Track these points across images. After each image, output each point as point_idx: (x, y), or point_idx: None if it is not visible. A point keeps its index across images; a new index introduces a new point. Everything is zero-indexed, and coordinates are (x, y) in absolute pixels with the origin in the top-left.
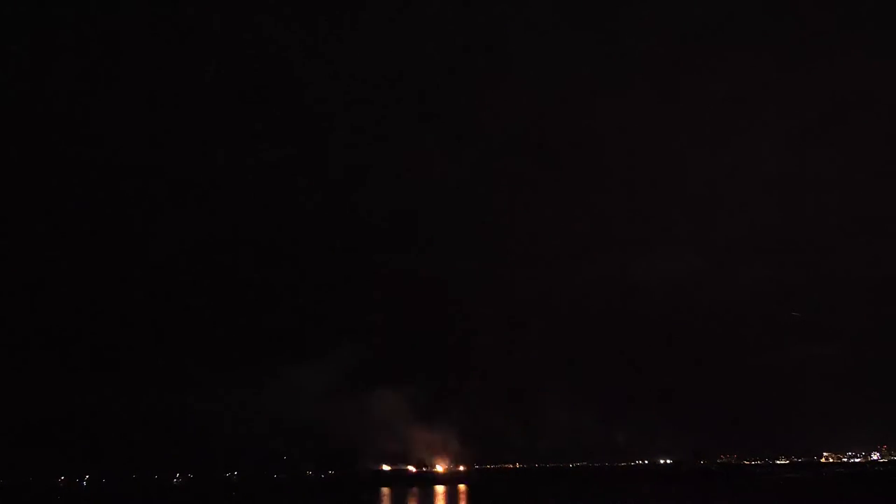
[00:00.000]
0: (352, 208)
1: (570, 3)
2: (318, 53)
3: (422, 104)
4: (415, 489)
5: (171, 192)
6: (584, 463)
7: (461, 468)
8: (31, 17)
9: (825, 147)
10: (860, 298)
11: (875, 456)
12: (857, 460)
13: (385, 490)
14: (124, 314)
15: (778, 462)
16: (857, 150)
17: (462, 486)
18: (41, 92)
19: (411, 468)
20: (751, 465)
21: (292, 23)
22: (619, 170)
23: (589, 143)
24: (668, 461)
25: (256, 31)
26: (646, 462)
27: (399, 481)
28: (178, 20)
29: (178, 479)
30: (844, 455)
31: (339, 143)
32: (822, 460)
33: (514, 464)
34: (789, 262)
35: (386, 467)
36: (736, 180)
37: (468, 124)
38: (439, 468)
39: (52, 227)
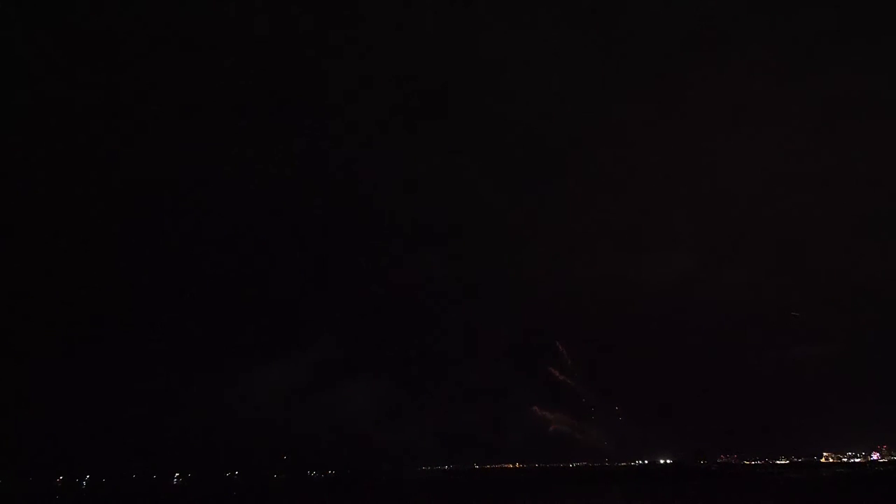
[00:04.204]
0: (347, 209)
1: (572, 5)
2: (329, 55)
3: (422, 107)
4: None
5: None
6: (584, 463)
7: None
8: (37, 21)
9: (825, 148)
10: (860, 298)
11: (875, 456)
12: (857, 460)
13: None
14: (121, 315)
15: (778, 462)
16: (857, 151)
17: None
18: (46, 94)
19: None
20: (751, 465)
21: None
22: (618, 171)
23: (588, 144)
24: (668, 461)
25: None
26: (646, 462)
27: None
28: (187, 25)
29: (178, 479)
30: (844, 455)
31: (336, 142)
32: (822, 460)
33: (514, 464)
34: (788, 263)
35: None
36: (735, 181)
37: (466, 126)
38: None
39: (48, 227)
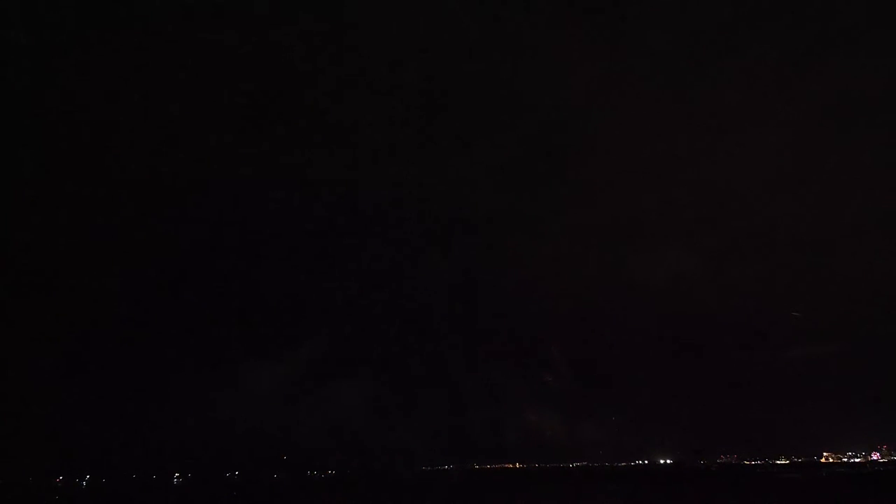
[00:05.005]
0: (344, 209)
1: (572, 6)
2: (328, 56)
3: (421, 106)
4: None
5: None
6: (585, 463)
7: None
8: (36, 22)
9: (827, 148)
10: (860, 298)
11: (875, 456)
12: (857, 460)
13: None
14: (121, 316)
15: (778, 462)
16: (858, 151)
17: None
18: (45, 92)
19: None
20: (751, 465)
21: (293, 20)
22: (618, 171)
23: (588, 144)
24: (668, 461)
25: (258, 31)
26: (646, 462)
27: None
28: (177, 24)
29: (178, 479)
30: (844, 455)
31: (334, 142)
32: (822, 460)
33: (514, 464)
34: (789, 262)
35: None
36: (736, 180)
37: (466, 126)
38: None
39: (46, 226)
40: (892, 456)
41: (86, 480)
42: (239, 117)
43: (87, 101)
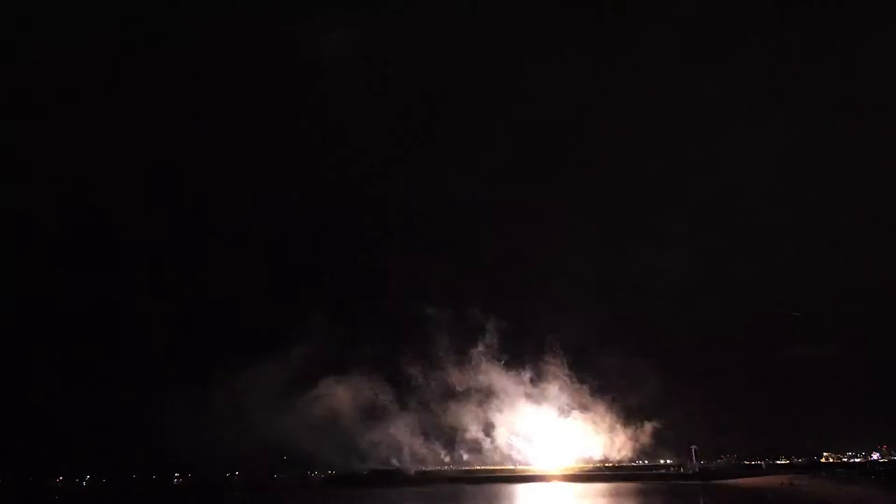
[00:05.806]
0: (342, 209)
1: (572, 7)
2: (327, 55)
3: (420, 106)
4: None
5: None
6: (583, 463)
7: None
8: (33, 18)
9: (826, 148)
10: (860, 298)
11: (875, 456)
12: (857, 460)
13: None
14: (119, 315)
15: (778, 462)
16: (858, 151)
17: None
18: (40, 89)
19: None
20: (751, 464)
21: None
22: (619, 171)
23: (586, 141)
24: (668, 461)
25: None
26: (645, 462)
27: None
28: (187, 20)
29: (178, 479)
30: (844, 455)
31: (333, 141)
32: (822, 460)
33: (514, 464)
34: (789, 262)
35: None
36: (736, 180)
37: (465, 126)
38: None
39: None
40: (892, 456)
41: (86, 480)
42: (239, 117)
43: (86, 100)
